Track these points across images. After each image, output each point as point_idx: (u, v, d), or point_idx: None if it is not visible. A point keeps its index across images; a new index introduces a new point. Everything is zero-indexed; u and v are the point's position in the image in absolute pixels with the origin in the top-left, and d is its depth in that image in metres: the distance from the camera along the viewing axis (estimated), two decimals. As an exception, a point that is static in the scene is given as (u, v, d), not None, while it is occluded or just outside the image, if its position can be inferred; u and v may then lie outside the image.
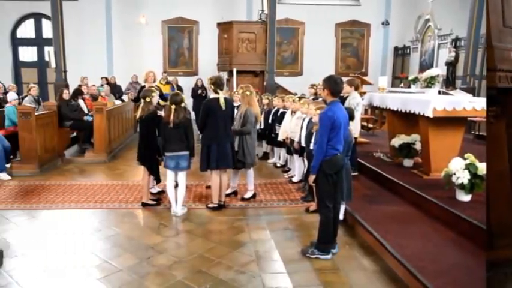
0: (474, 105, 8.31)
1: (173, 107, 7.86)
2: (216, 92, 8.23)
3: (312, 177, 6.17)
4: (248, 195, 9.12)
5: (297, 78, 23.76)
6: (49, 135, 12.10)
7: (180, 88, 18.22)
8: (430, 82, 9.48)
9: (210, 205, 8.52)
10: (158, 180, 8.93)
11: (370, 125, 16.55)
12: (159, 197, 9.04)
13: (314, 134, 7.43)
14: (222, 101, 8.11)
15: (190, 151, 8.14)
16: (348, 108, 6.90)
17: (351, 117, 7.06)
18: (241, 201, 9.02)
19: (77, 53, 21.57)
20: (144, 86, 10.92)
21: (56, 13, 17.19)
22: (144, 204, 8.63)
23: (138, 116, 8.46)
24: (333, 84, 6.04)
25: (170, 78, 19.35)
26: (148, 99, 8.27)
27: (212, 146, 8.16)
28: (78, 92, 14.53)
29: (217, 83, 8.26)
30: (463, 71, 17.47)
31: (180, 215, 8.09)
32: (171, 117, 7.82)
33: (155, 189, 9.35)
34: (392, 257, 5.91)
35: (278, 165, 12.17)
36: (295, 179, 10.30)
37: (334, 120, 5.84)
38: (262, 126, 12.53)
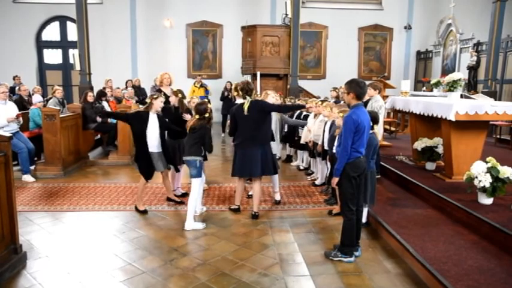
0: (496, 109, 8.27)
1: (197, 117, 7.81)
2: (245, 98, 8.08)
3: (335, 180, 6.17)
4: (278, 197, 9.16)
5: (320, 82, 23.82)
6: (73, 137, 12.23)
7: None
8: (452, 86, 9.43)
9: (232, 207, 8.56)
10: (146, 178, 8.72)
11: (393, 129, 16.52)
12: (182, 200, 9.07)
13: (337, 137, 7.44)
14: (245, 107, 7.96)
15: (203, 157, 8.02)
16: (371, 112, 6.91)
17: (376, 120, 7.09)
18: (276, 204, 9.00)
19: (101, 56, 21.81)
20: (159, 89, 10.90)
21: (81, 16, 17.34)
22: (169, 199, 8.96)
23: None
24: (357, 88, 6.03)
25: (204, 81, 19.61)
26: (148, 100, 8.35)
27: (237, 153, 8.17)
28: (101, 94, 14.60)
29: (245, 89, 8.07)
30: (484, 75, 17.50)
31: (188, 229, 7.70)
32: (190, 123, 7.84)
33: (179, 192, 9.42)
34: (415, 260, 5.92)
35: (301, 167, 12.19)
36: (318, 182, 10.32)
37: (358, 123, 5.83)
38: (285, 129, 12.61)
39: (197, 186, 7.89)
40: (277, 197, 9.14)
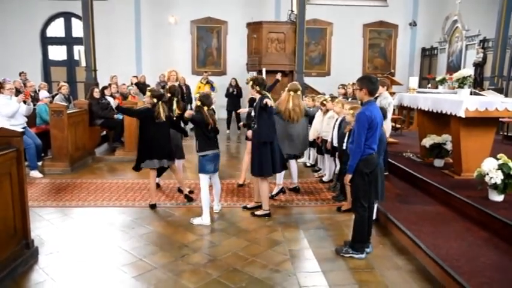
0: (506, 105, 8.26)
1: (206, 108, 7.62)
2: (259, 93, 7.81)
3: (348, 177, 6.19)
4: (275, 191, 9.13)
5: (325, 79, 23.80)
6: (80, 134, 12.24)
7: (188, 87, 18.04)
8: (461, 82, 9.41)
9: (258, 212, 8.10)
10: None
11: (398, 126, 16.49)
12: (191, 197, 9.08)
13: (347, 134, 7.44)
14: (271, 102, 7.72)
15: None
16: (381, 108, 6.91)
17: (384, 116, 7.08)
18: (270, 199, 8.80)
19: (106, 52, 21.73)
20: (165, 85, 10.92)
21: (87, 12, 17.31)
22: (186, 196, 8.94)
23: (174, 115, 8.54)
24: (369, 84, 6.06)
25: (211, 78, 19.71)
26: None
27: (270, 149, 7.83)
28: (103, 88, 14.58)
29: (263, 85, 7.84)
30: (490, 72, 17.37)
31: (218, 211, 8.18)
32: (210, 120, 7.61)
33: (185, 190, 9.35)
34: (427, 257, 5.92)
35: (308, 164, 12.21)
36: (325, 179, 10.33)
37: (372, 120, 5.86)
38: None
39: None
40: (274, 191, 9.12)
